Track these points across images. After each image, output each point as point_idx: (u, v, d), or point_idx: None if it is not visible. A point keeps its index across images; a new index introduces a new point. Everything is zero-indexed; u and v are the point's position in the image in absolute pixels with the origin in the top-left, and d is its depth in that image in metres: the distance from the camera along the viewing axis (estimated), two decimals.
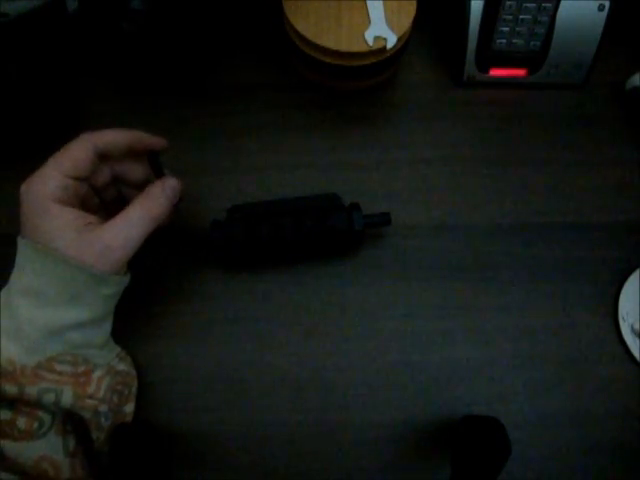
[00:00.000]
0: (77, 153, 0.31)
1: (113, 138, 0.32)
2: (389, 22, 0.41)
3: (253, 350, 0.39)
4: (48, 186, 0.30)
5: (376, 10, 0.41)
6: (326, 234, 0.38)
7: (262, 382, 0.38)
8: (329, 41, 0.40)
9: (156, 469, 0.36)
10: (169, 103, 0.46)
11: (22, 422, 0.30)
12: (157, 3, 0.39)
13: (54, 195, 0.30)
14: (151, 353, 0.38)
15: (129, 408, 0.35)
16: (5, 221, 0.41)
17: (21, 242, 0.30)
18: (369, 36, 0.41)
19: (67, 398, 0.31)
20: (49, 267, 0.30)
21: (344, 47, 0.40)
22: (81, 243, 0.30)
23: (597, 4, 0.43)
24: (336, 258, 0.41)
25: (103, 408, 0.32)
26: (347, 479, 0.37)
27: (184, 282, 0.40)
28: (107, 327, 0.34)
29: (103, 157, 0.32)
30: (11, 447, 0.30)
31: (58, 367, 0.31)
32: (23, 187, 0.31)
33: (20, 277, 0.31)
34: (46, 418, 0.31)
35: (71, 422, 0.32)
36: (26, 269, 0.30)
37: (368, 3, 0.42)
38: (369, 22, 0.41)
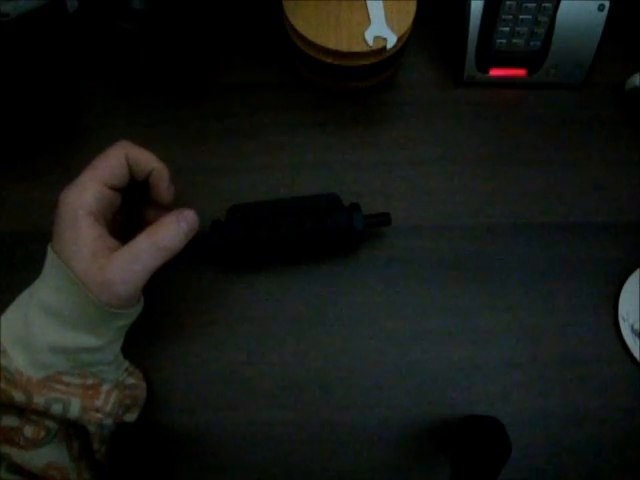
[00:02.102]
0: (113, 160, 0.31)
1: (144, 157, 0.32)
2: (389, 22, 0.41)
3: (253, 350, 0.39)
4: (84, 196, 0.30)
5: (376, 10, 0.41)
6: (326, 234, 0.38)
7: (262, 382, 0.38)
8: (329, 41, 0.40)
9: (156, 469, 0.36)
10: (169, 103, 0.46)
11: (29, 431, 0.30)
12: (157, 3, 0.39)
13: (89, 206, 0.30)
14: (151, 353, 0.38)
15: (129, 417, 0.34)
16: (5, 220, 0.41)
17: (50, 253, 0.30)
18: (369, 36, 0.40)
19: (75, 409, 0.30)
20: (68, 290, 0.29)
21: (344, 47, 0.40)
22: (89, 269, 0.29)
23: (597, 4, 0.43)
24: (336, 258, 0.41)
25: (108, 422, 0.32)
26: (347, 479, 0.37)
27: (184, 282, 0.40)
28: (117, 348, 0.33)
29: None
30: (18, 455, 0.30)
31: (66, 379, 0.30)
32: (61, 196, 0.30)
33: (42, 288, 0.30)
34: (52, 427, 0.31)
35: (74, 427, 0.32)
36: (48, 283, 0.30)
37: (368, 3, 0.42)
38: (369, 22, 0.41)
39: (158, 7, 0.40)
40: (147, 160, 0.32)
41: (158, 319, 0.39)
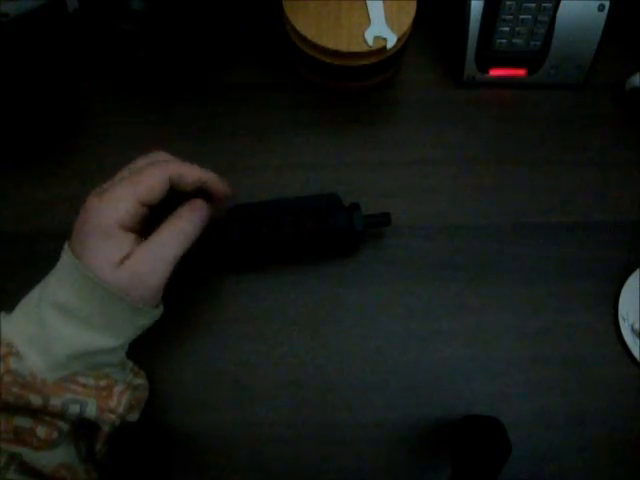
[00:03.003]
0: (154, 181, 0.31)
1: (188, 175, 0.32)
2: (389, 22, 0.41)
3: (253, 350, 0.39)
4: (119, 210, 0.30)
5: (376, 10, 0.41)
6: (326, 234, 0.38)
7: (262, 382, 0.38)
8: (329, 41, 0.40)
9: (156, 469, 0.36)
10: (169, 103, 0.46)
11: (42, 431, 0.30)
12: (157, 3, 0.39)
13: (122, 220, 0.30)
14: (151, 353, 0.38)
15: (131, 418, 0.34)
16: (5, 220, 0.41)
17: (68, 255, 0.30)
18: (369, 36, 0.40)
19: (92, 410, 0.30)
20: (89, 289, 0.29)
21: (344, 47, 0.40)
22: (120, 270, 0.29)
23: (597, 4, 0.43)
24: (336, 258, 0.41)
25: (117, 423, 0.32)
26: (347, 479, 0.37)
27: (184, 282, 0.40)
28: (125, 349, 0.34)
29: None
30: (29, 455, 0.30)
31: (82, 380, 0.31)
32: (95, 202, 0.30)
33: (57, 289, 0.30)
34: (65, 428, 0.31)
35: (82, 428, 0.32)
36: (65, 283, 0.30)
37: (368, 3, 0.42)
38: (369, 22, 0.41)
39: (157, 7, 0.40)
40: (194, 176, 0.32)
41: (158, 319, 0.39)
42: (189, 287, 0.40)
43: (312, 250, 0.41)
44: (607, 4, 0.43)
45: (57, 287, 0.30)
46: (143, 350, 0.37)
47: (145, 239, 0.31)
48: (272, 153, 0.44)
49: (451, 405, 0.38)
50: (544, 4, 0.42)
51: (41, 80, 0.41)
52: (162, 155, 0.33)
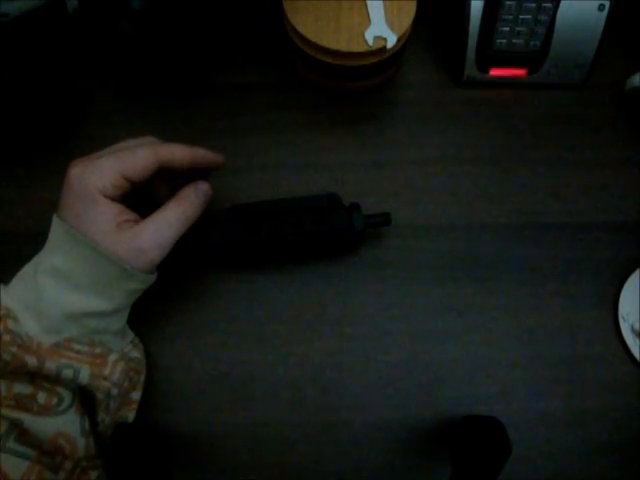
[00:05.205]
0: (142, 161, 0.31)
1: (178, 156, 0.33)
2: (389, 22, 0.41)
3: (253, 350, 0.39)
4: (102, 181, 0.30)
5: (376, 10, 0.41)
6: (326, 234, 0.38)
7: (262, 382, 0.38)
8: (329, 41, 0.40)
9: (157, 469, 0.36)
10: (169, 103, 0.46)
11: (42, 397, 0.31)
12: (157, 3, 0.39)
13: (105, 190, 0.30)
14: (151, 353, 0.38)
15: (136, 395, 0.35)
16: (4, 220, 0.41)
17: (57, 223, 0.31)
18: (369, 36, 0.40)
19: (84, 376, 0.32)
20: (82, 253, 0.30)
21: (344, 47, 0.40)
22: (119, 238, 0.30)
23: (597, 4, 0.43)
24: (336, 258, 0.41)
25: (114, 392, 0.33)
26: (347, 479, 0.37)
27: (184, 282, 0.40)
28: (124, 317, 0.34)
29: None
30: (30, 420, 0.31)
31: (76, 347, 0.32)
32: (76, 170, 0.30)
33: (50, 256, 0.31)
34: (66, 395, 0.32)
35: (84, 401, 0.33)
36: (58, 250, 0.31)
37: (368, 3, 0.42)
38: (369, 22, 0.41)
39: (157, 7, 0.40)
40: (185, 158, 0.33)
41: (158, 319, 0.39)
42: (188, 287, 0.40)
43: (312, 250, 0.41)
44: (607, 4, 0.43)
45: (48, 252, 0.31)
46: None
47: (132, 210, 0.32)
48: (272, 153, 0.44)
49: (451, 405, 0.38)
50: (544, 4, 0.42)
51: (41, 80, 0.41)
52: (150, 139, 0.34)
